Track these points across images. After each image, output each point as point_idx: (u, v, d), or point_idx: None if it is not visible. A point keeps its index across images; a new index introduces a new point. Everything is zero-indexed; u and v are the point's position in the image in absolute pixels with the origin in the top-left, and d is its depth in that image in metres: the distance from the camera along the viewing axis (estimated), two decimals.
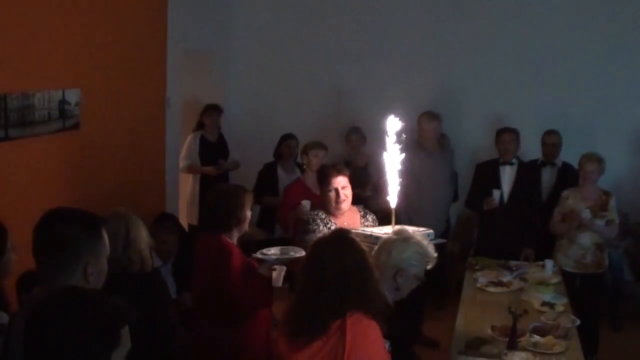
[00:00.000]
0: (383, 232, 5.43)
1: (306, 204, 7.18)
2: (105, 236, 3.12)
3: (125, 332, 2.54)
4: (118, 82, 7.59)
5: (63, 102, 6.78)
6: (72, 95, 6.89)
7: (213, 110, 9.23)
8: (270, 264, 5.06)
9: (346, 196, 5.84)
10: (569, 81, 9.65)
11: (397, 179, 5.73)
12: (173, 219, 7.94)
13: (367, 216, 6.04)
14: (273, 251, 5.18)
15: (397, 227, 5.49)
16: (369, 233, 5.46)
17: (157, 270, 4.36)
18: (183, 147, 9.16)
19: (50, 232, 3.02)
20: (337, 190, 5.81)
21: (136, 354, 2.92)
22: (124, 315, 2.56)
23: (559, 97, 9.68)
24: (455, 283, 8.17)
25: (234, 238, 5.18)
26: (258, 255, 5.10)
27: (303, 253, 5.02)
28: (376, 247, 4.55)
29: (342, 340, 3.46)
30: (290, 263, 5.14)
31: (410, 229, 5.56)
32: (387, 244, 4.49)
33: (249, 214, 5.22)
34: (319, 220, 5.80)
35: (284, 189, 7.66)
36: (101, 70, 7.31)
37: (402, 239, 4.50)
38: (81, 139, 7.06)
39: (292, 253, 5.13)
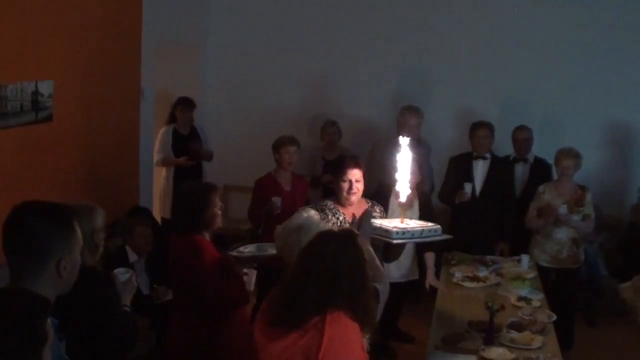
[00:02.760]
0: (392, 225, 5.40)
1: (277, 200, 7.10)
2: (78, 228, 3.02)
3: (48, 324, 2.51)
4: (91, 74, 7.51)
5: (36, 93, 6.72)
6: (45, 87, 6.82)
7: (185, 104, 9.12)
8: (243, 261, 4.98)
9: (358, 189, 5.75)
10: (539, 76, 9.66)
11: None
12: (147, 213, 7.88)
13: (375, 207, 5.97)
14: (249, 249, 5.11)
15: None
16: (378, 225, 5.41)
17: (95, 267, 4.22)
18: (156, 141, 9.07)
19: (20, 227, 2.90)
20: (350, 182, 5.73)
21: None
22: (43, 310, 2.53)
23: (529, 92, 9.70)
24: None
25: (206, 236, 5.07)
26: (233, 253, 5.01)
27: None
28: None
29: (318, 336, 3.40)
30: (267, 260, 5.08)
31: (419, 223, 5.56)
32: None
33: (217, 211, 5.07)
34: (327, 210, 5.72)
35: (255, 183, 7.53)
36: (74, 62, 7.24)
37: None
38: (54, 131, 6.99)
39: (268, 250, 5.06)
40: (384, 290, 4.18)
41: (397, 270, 7.07)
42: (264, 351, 3.56)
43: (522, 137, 8.62)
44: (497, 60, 9.75)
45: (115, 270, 4.29)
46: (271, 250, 5.04)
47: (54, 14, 6.86)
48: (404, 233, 5.34)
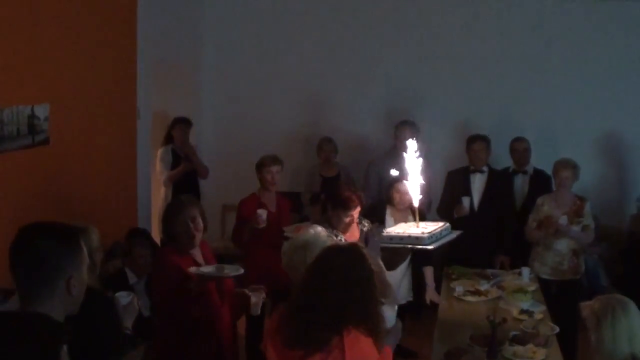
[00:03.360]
0: (414, 231, 5.47)
1: (262, 213, 7.02)
2: (84, 247, 3.06)
3: (63, 351, 2.53)
4: (87, 96, 7.50)
5: (32, 117, 6.70)
6: (41, 111, 6.80)
7: (182, 123, 9.15)
8: (196, 279, 4.89)
9: (355, 221, 5.88)
10: (534, 89, 9.72)
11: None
12: (146, 234, 7.85)
13: (363, 222, 6.00)
14: (209, 269, 5.03)
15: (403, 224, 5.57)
16: (398, 234, 5.45)
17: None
18: (157, 162, 9.09)
19: (28, 248, 2.94)
20: (352, 218, 5.79)
21: None
22: (60, 337, 2.55)
23: (524, 104, 9.73)
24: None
25: (185, 249, 5.05)
26: (192, 269, 4.94)
27: (241, 271, 4.95)
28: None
29: (341, 356, 3.40)
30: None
31: (431, 224, 5.59)
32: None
33: (189, 225, 5.01)
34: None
35: (239, 204, 7.48)
36: (70, 85, 7.23)
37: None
38: (51, 154, 6.97)
39: (226, 271, 4.99)
40: (390, 318, 4.17)
41: (397, 292, 7.05)
42: None
43: (521, 147, 8.64)
44: (492, 73, 9.78)
45: (117, 294, 4.29)
46: (230, 272, 4.97)
47: (49, 38, 6.85)
48: (432, 237, 5.43)
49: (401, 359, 7.58)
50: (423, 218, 6.71)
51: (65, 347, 2.58)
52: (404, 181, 5.95)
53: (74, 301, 3.00)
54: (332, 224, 5.77)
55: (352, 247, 3.74)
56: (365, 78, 10.11)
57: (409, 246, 5.61)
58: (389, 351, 3.88)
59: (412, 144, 5.73)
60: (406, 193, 6.46)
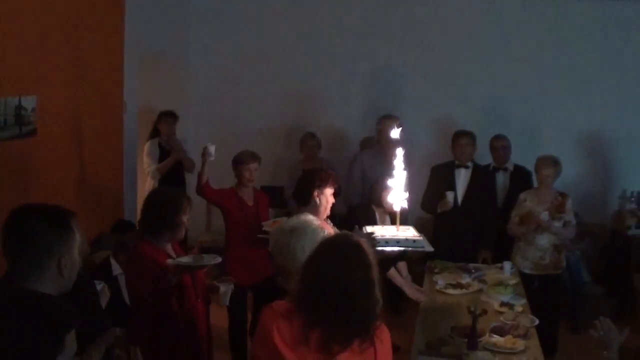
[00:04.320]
0: (404, 235, 5.49)
1: (211, 146, 6.99)
2: (76, 228, 3.12)
3: (70, 337, 2.57)
4: (75, 89, 7.55)
5: (19, 108, 6.73)
6: (29, 102, 6.84)
7: (168, 117, 9.19)
8: (174, 270, 4.91)
9: None
10: (516, 86, 9.83)
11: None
12: (131, 226, 7.89)
13: (327, 220, 6.01)
14: (186, 259, 5.05)
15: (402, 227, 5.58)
16: (390, 237, 5.45)
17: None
18: (144, 156, 9.13)
19: (21, 228, 3.02)
20: (331, 197, 5.82)
21: None
22: (68, 322, 2.60)
23: (507, 101, 9.85)
24: None
25: (164, 242, 5.07)
26: (169, 261, 4.92)
27: (219, 260, 4.97)
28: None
29: (371, 351, 3.42)
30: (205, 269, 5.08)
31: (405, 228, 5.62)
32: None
33: (185, 219, 5.07)
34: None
35: None
36: (58, 77, 7.27)
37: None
38: (38, 146, 7.01)
39: (204, 261, 5.01)
40: None
41: None
42: None
43: (499, 145, 8.72)
44: (474, 69, 9.88)
45: None
46: (208, 261, 4.99)
47: (36, 30, 6.89)
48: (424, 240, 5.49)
49: None
50: (404, 221, 6.58)
51: (73, 332, 2.64)
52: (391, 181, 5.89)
53: (66, 281, 3.07)
54: (314, 212, 5.74)
55: (353, 241, 3.62)
56: (349, 73, 10.21)
57: (409, 249, 5.58)
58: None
59: (395, 133, 5.77)
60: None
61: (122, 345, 3.36)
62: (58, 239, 3.04)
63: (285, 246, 4.08)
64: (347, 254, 3.48)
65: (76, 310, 2.74)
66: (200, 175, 7.06)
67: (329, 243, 3.63)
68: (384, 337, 3.50)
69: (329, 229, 5.53)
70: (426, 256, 7.77)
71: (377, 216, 6.97)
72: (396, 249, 5.43)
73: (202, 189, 7.07)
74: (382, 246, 5.37)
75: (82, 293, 3.91)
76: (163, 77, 10.07)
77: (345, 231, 4.17)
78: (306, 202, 5.80)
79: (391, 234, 5.51)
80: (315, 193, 5.77)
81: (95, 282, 4.45)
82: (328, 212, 5.83)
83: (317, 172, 5.99)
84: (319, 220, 5.59)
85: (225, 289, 5.20)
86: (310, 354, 3.41)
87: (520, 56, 9.76)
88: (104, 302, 4.40)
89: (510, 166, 8.73)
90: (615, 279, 9.02)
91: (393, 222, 6.32)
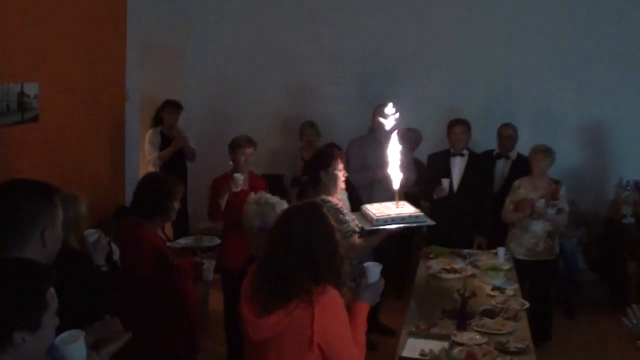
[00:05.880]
0: (407, 211, 5.65)
1: (238, 177, 6.99)
2: (59, 203, 3.25)
3: (50, 293, 2.68)
4: (77, 76, 7.62)
5: (22, 95, 6.83)
6: (31, 89, 6.94)
7: (172, 107, 9.29)
8: (177, 251, 4.99)
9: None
10: (519, 74, 9.87)
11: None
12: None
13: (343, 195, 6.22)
14: (186, 241, 5.13)
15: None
16: (401, 213, 5.63)
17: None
18: (145, 144, 9.22)
19: (6, 200, 3.15)
20: (342, 171, 5.94)
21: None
22: (46, 279, 2.71)
23: (510, 90, 9.90)
24: (414, 273, 8.29)
25: (155, 226, 5.15)
26: (169, 244, 5.02)
27: (217, 242, 5.09)
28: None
29: (310, 309, 3.58)
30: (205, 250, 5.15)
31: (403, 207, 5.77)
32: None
33: (176, 205, 5.17)
34: (340, 211, 5.90)
35: (212, 182, 7.50)
36: (60, 65, 7.35)
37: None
38: (40, 132, 7.10)
39: (205, 242, 5.11)
40: (374, 273, 4.20)
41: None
42: (255, 326, 3.70)
43: (505, 134, 8.78)
44: (475, 57, 9.94)
45: (86, 232, 4.46)
46: (208, 242, 5.09)
47: (40, 17, 6.97)
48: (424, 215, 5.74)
49: (380, 335, 7.76)
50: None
51: (52, 289, 2.74)
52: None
53: (48, 253, 3.19)
54: (326, 190, 5.92)
55: (310, 206, 3.91)
56: (351, 62, 10.28)
57: (413, 225, 5.76)
58: (364, 307, 4.00)
59: (390, 119, 5.91)
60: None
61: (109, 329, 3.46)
62: (42, 211, 3.16)
63: (252, 213, 4.36)
64: (307, 213, 3.76)
65: (50, 267, 2.86)
66: (219, 203, 7.08)
67: (293, 207, 3.97)
68: (327, 302, 3.63)
69: (340, 204, 5.73)
70: (426, 242, 7.93)
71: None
72: (401, 225, 5.60)
73: (217, 218, 7.17)
74: (387, 224, 5.56)
75: (75, 269, 4.02)
76: (165, 67, 10.15)
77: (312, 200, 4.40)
78: (316, 183, 5.97)
79: (393, 212, 5.68)
80: (322, 174, 5.92)
81: (92, 230, 4.55)
82: (342, 186, 5.98)
83: (318, 154, 6.16)
84: (333, 197, 5.81)
85: (209, 264, 5.32)
86: (252, 308, 3.69)
87: (523, 45, 9.82)
88: (102, 251, 4.51)
89: (513, 155, 8.80)
90: (610, 266, 9.12)
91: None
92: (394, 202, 5.89)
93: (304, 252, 3.65)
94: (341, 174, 5.94)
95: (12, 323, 2.58)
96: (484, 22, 9.94)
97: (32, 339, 2.63)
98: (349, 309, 3.88)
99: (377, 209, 5.79)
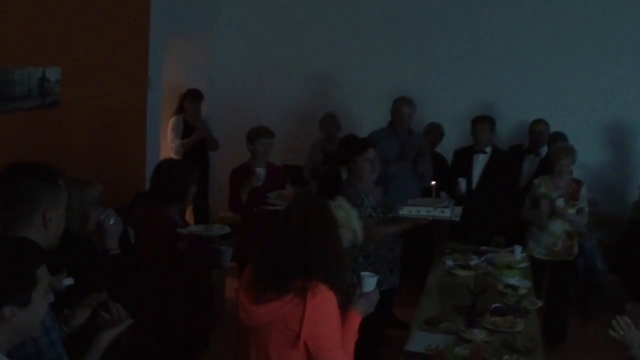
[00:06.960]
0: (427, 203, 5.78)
1: (260, 172, 7.06)
2: (64, 186, 3.31)
3: (42, 271, 2.71)
4: (99, 62, 7.62)
5: (43, 79, 6.86)
6: (53, 73, 6.96)
7: (194, 96, 9.35)
8: (185, 238, 5.04)
9: (377, 169, 6.11)
10: (541, 75, 9.83)
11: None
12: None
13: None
14: (196, 229, 5.19)
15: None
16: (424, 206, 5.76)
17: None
18: (168, 131, 9.28)
19: (10, 182, 3.21)
20: (371, 161, 5.95)
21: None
22: (38, 256, 2.75)
23: (532, 89, 9.86)
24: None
25: (172, 211, 5.22)
26: (179, 230, 5.08)
27: (227, 230, 5.12)
28: None
29: (302, 305, 3.60)
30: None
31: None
32: None
33: (192, 190, 5.25)
34: (362, 195, 5.98)
35: (231, 173, 7.49)
36: (82, 50, 7.35)
37: None
38: (61, 116, 7.12)
39: (215, 230, 5.16)
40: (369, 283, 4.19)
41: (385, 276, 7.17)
42: (247, 311, 3.74)
43: (535, 130, 8.79)
44: (506, 51, 9.94)
45: (102, 215, 4.51)
46: (219, 230, 5.14)
47: (63, 3, 7.00)
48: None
49: (393, 329, 7.74)
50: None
51: (44, 267, 2.79)
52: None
53: (51, 235, 3.25)
54: (356, 183, 5.97)
55: (315, 200, 3.92)
56: (377, 55, 10.27)
57: (435, 217, 5.95)
58: (356, 317, 3.96)
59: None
60: None
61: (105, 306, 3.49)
62: (45, 192, 3.22)
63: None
64: (310, 206, 3.77)
65: (39, 246, 2.89)
66: (240, 196, 7.20)
67: (298, 199, 3.96)
68: (320, 301, 3.64)
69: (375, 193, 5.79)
70: (446, 239, 7.94)
71: None
72: (423, 215, 5.67)
73: (238, 210, 7.35)
74: (412, 214, 5.66)
75: (74, 251, 4.05)
76: (189, 56, 10.18)
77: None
78: (350, 171, 6.25)
79: (425, 204, 5.75)
80: (350, 164, 6.09)
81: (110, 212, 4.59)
82: (370, 174, 6.12)
83: (350, 140, 6.44)
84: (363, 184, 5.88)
85: (226, 251, 5.34)
86: (248, 295, 3.73)
87: (545, 45, 9.79)
88: (113, 238, 4.53)
89: (543, 152, 8.74)
90: (630, 270, 9.03)
91: None
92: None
93: (299, 242, 3.67)
94: (366, 163, 6.01)
95: (1, 298, 2.64)
96: (510, 17, 9.89)
97: (22, 313, 2.69)
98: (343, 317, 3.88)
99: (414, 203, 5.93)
